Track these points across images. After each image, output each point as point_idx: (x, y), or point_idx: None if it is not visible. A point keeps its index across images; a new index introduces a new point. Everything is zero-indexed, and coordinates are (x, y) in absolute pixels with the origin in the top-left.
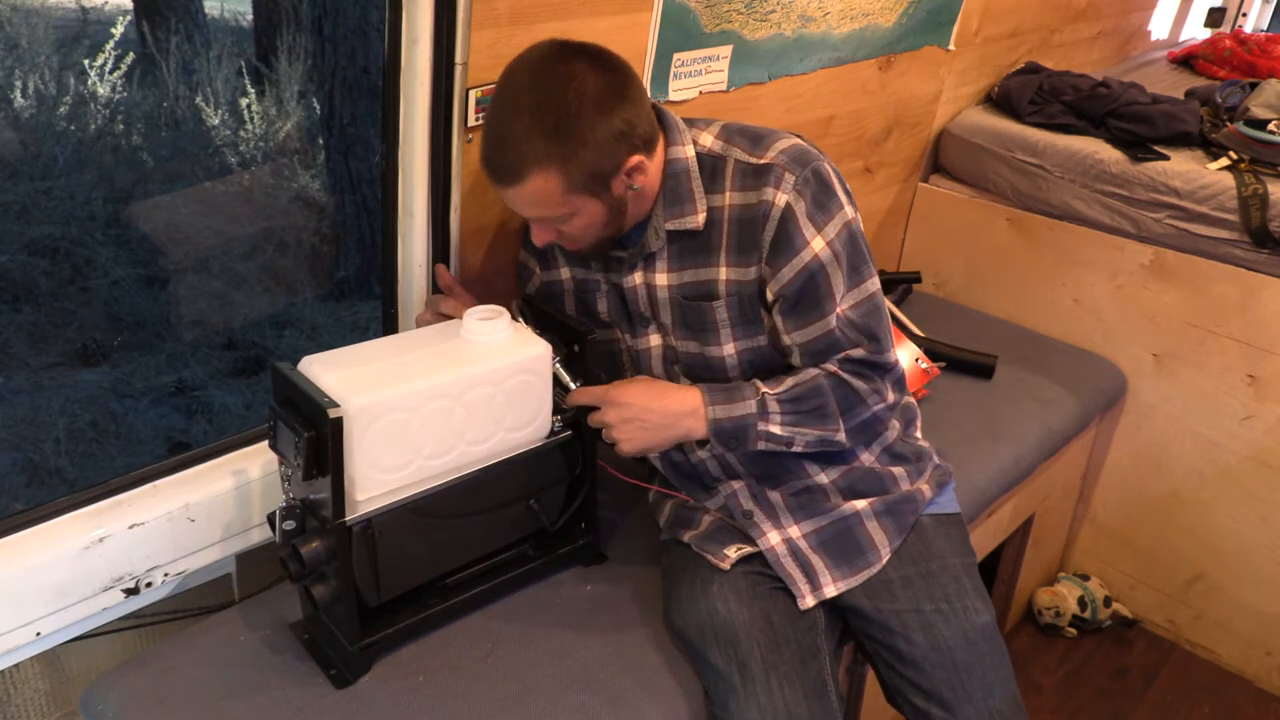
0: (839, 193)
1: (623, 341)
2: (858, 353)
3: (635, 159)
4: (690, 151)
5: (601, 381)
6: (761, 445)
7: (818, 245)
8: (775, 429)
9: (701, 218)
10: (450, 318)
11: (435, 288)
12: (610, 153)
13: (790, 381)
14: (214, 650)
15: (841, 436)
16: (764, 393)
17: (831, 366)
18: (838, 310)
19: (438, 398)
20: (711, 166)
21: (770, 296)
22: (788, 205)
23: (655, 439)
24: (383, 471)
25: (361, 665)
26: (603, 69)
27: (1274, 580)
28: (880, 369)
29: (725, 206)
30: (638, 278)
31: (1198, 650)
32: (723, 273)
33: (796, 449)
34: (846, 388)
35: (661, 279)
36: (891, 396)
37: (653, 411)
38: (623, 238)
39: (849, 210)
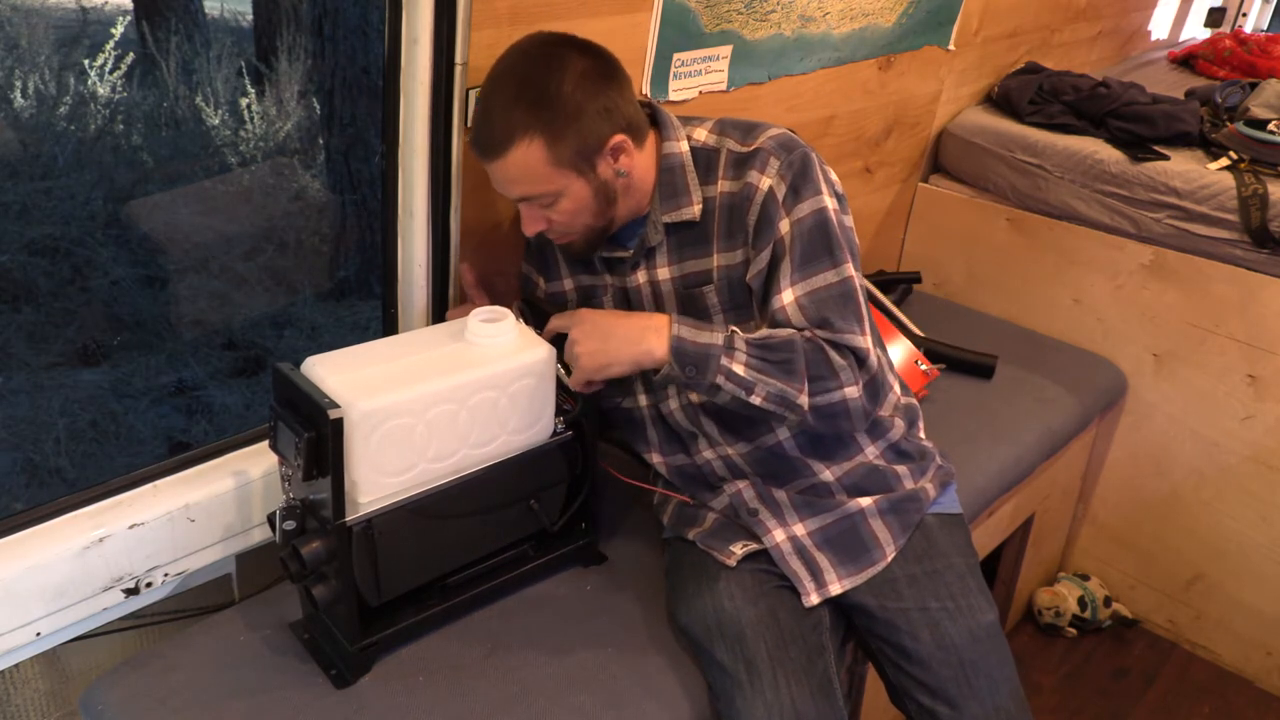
0: (819, 181)
1: None
2: (821, 334)
3: (619, 138)
4: (684, 146)
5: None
6: (720, 381)
7: (784, 228)
8: (739, 369)
9: (697, 209)
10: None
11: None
12: (594, 126)
13: (765, 332)
14: (214, 650)
15: (804, 400)
16: (734, 331)
17: (809, 332)
18: (788, 294)
19: (443, 402)
20: (706, 159)
21: (749, 279)
22: (770, 189)
23: (616, 352)
24: (387, 475)
25: (361, 665)
26: (587, 54)
27: (1274, 580)
28: (846, 351)
29: (718, 195)
30: (641, 276)
31: (1198, 650)
32: (716, 259)
33: (756, 399)
34: (822, 355)
35: (663, 273)
36: (858, 390)
37: (619, 324)
38: (623, 236)
39: (825, 199)
